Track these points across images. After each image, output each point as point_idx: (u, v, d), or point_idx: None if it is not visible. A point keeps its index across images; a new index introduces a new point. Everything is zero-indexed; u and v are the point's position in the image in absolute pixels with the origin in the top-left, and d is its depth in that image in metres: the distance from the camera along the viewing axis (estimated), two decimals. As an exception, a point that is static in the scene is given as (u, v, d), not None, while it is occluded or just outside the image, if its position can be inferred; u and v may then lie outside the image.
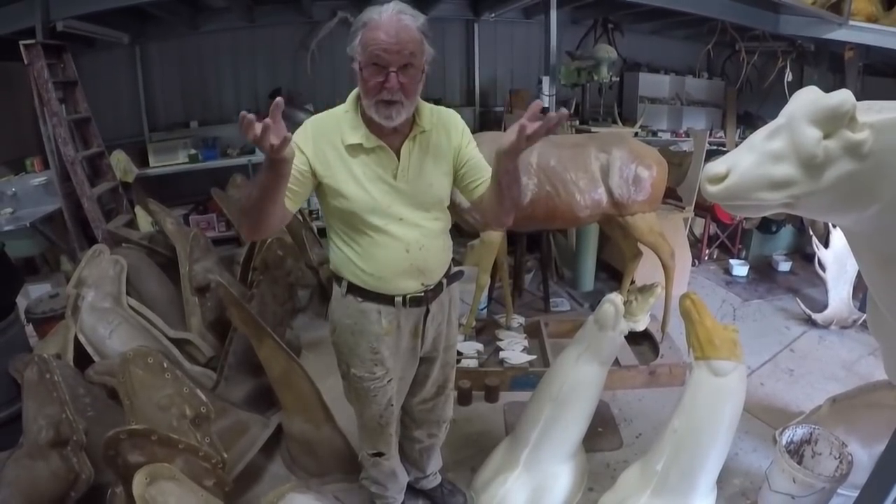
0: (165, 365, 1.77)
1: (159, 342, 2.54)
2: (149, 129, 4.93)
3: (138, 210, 3.93)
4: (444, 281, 1.59)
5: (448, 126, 1.51)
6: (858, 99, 1.04)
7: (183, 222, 3.80)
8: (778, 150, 1.06)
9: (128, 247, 3.11)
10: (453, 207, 1.85)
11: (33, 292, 3.21)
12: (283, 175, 1.22)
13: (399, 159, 1.43)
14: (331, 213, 1.48)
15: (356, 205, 1.41)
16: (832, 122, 1.02)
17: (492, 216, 1.54)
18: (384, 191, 1.42)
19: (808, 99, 1.06)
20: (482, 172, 1.51)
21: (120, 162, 4.14)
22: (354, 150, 1.40)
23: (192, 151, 4.78)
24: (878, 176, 1.04)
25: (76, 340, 2.36)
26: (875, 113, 1.04)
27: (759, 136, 1.10)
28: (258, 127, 1.05)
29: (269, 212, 1.29)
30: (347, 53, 1.33)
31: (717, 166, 1.10)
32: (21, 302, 2.56)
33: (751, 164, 1.07)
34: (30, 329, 2.64)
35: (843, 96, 1.00)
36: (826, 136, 1.03)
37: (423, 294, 1.53)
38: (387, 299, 1.51)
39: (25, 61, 3.16)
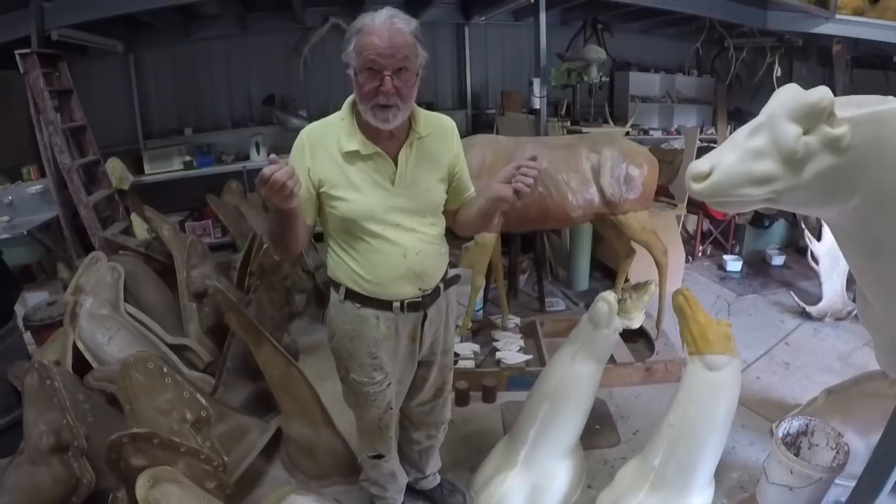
0: (165, 370, 1.77)
1: (157, 348, 2.54)
2: (143, 137, 4.94)
3: (134, 217, 3.94)
4: (442, 286, 1.61)
5: (446, 134, 1.54)
6: (847, 92, 1.07)
7: (179, 229, 3.81)
8: (759, 146, 1.09)
9: (125, 254, 3.12)
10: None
11: (31, 300, 3.20)
12: (296, 212, 1.32)
13: (396, 165, 1.44)
14: (329, 220, 1.49)
15: (354, 211, 1.43)
16: (811, 119, 1.05)
17: (461, 229, 1.66)
18: (382, 197, 1.44)
19: (787, 96, 1.08)
20: (464, 190, 1.61)
21: (115, 169, 4.14)
22: (351, 157, 1.41)
23: (187, 158, 4.79)
24: (857, 169, 1.07)
25: (75, 347, 2.36)
26: (854, 108, 1.06)
27: (741, 134, 1.13)
28: (285, 189, 1.16)
29: (295, 236, 1.40)
30: (343, 60, 1.35)
31: (700, 164, 1.13)
32: (19, 310, 2.56)
33: (733, 161, 1.10)
34: (28, 337, 2.63)
35: (821, 93, 1.03)
36: (806, 132, 1.06)
37: (420, 299, 1.54)
38: (385, 305, 1.52)
39: (21, 70, 3.18)
